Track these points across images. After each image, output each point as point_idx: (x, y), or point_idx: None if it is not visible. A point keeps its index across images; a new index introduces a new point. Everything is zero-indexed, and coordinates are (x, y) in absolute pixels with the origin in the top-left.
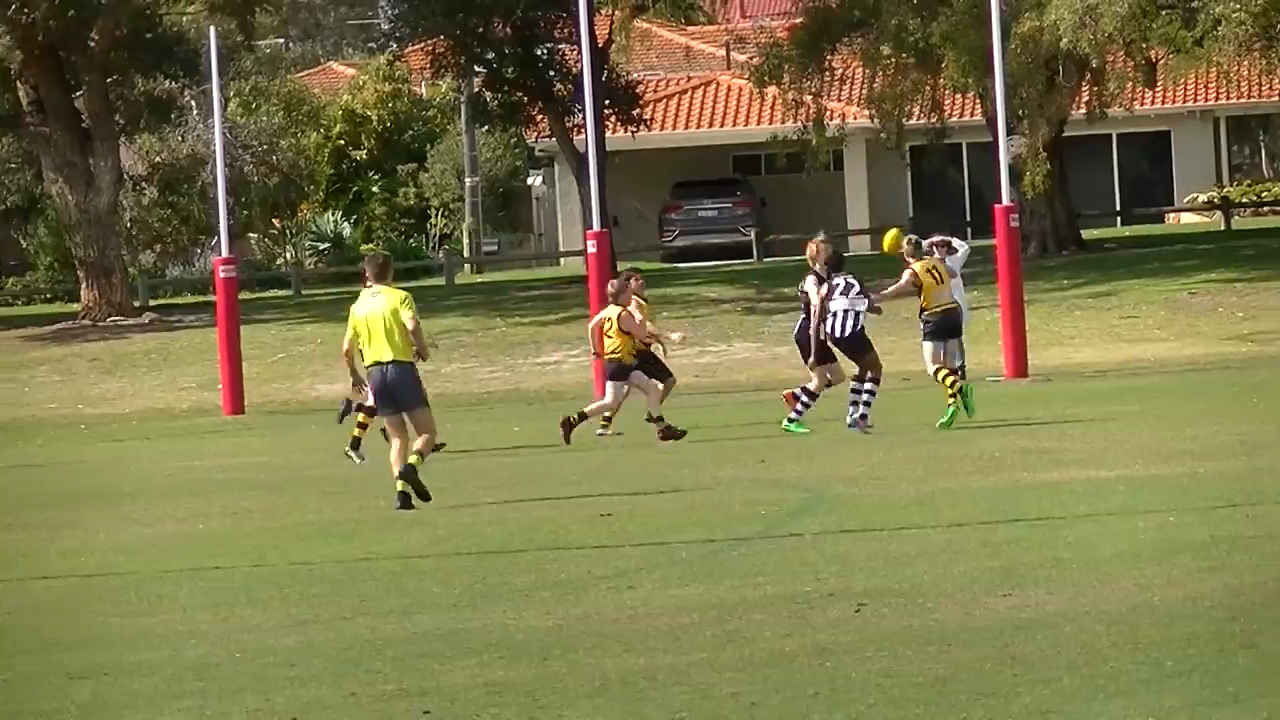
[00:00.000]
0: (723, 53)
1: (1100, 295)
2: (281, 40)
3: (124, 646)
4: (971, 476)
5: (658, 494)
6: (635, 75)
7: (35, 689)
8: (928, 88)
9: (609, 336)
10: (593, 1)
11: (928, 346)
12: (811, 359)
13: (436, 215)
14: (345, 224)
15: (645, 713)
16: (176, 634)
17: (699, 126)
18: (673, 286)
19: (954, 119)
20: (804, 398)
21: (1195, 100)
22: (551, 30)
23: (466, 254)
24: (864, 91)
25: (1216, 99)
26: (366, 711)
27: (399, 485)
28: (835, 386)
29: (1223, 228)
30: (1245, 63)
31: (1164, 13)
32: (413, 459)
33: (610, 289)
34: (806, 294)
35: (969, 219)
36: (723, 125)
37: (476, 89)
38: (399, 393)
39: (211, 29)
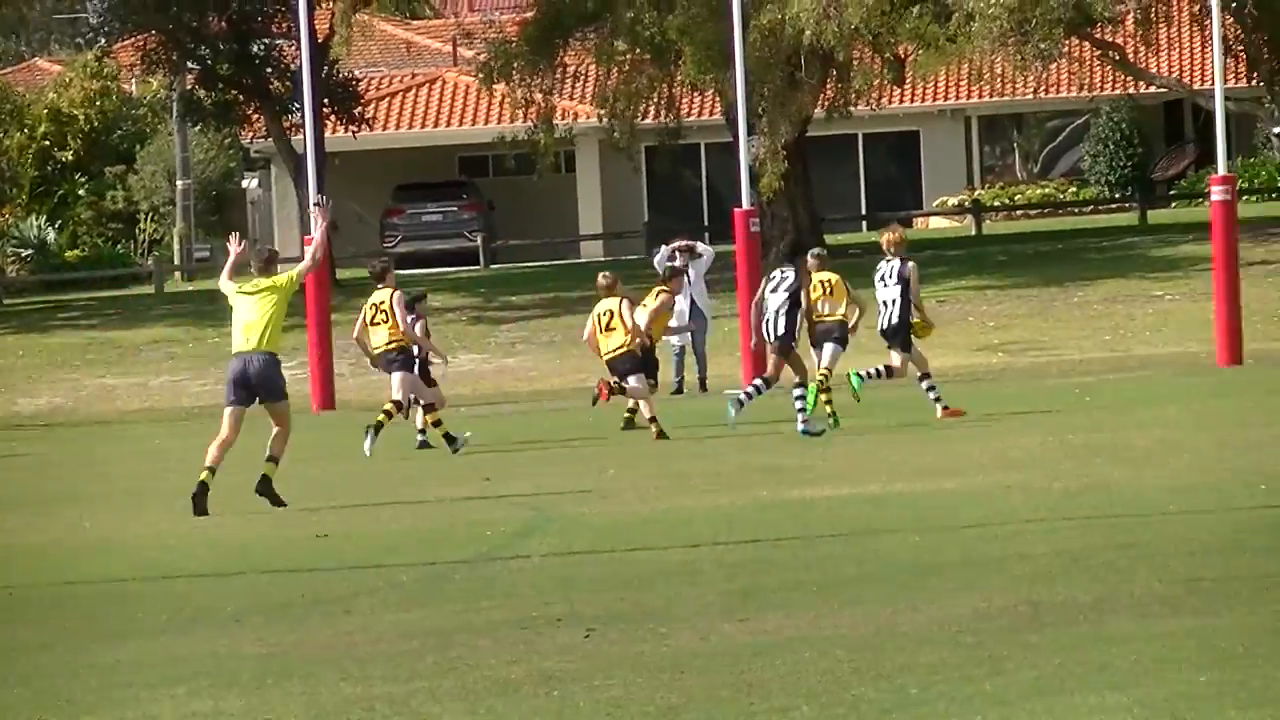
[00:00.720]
0: (449, 49)
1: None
2: None
3: None
4: (708, 494)
5: (377, 513)
6: (356, 72)
7: None
8: (664, 85)
9: (611, 331)
10: None
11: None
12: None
13: (146, 220)
14: (49, 229)
15: None
16: None
17: (423, 126)
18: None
19: (692, 118)
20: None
21: (946, 98)
22: (269, 25)
23: (177, 260)
24: (597, 90)
25: (968, 97)
26: None
27: (204, 474)
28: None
29: (974, 232)
30: (998, 59)
31: (914, 7)
32: (267, 468)
33: (603, 282)
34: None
35: (707, 223)
36: (448, 125)
37: (189, 86)
38: (255, 384)
39: None
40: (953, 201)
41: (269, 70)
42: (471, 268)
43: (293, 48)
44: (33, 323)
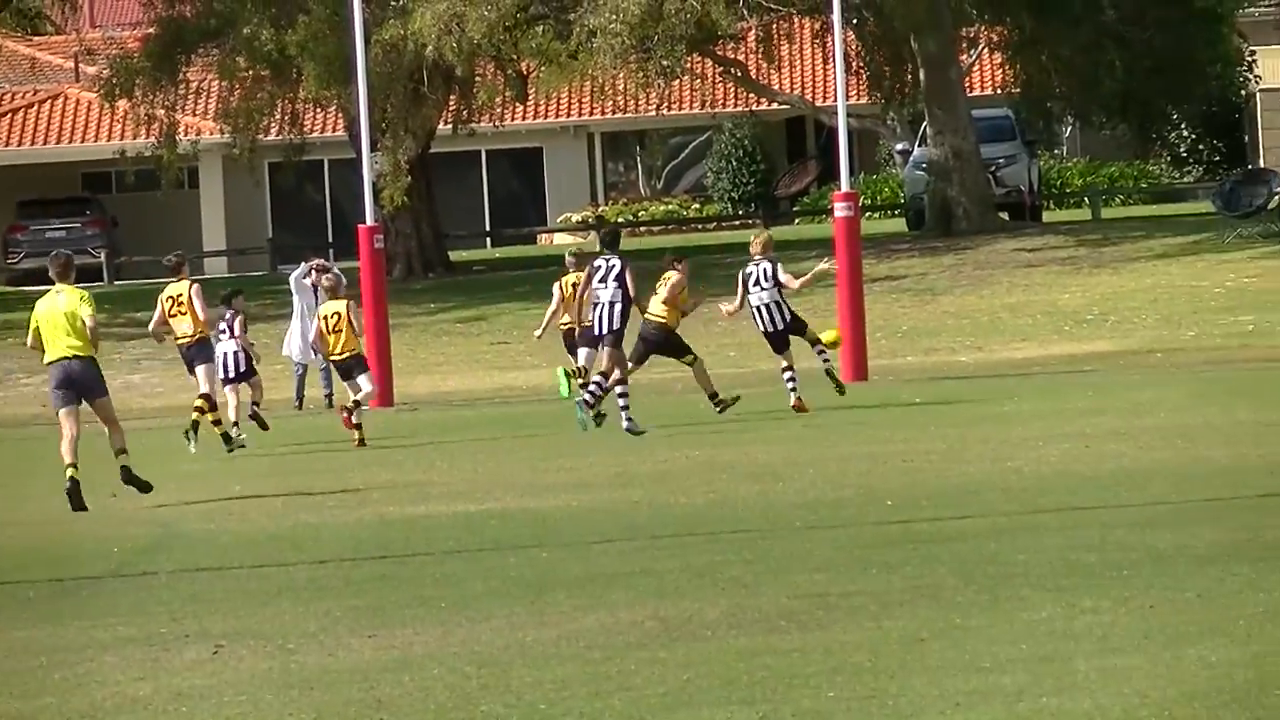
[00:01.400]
0: (72, 64)
1: (469, 320)
2: None
3: None
4: (335, 510)
5: (2, 530)
6: None
7: None
8: (286, 101)
9: (337, 333)
10: None
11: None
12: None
13: None
14: None
15: None
16: None
17: (46, 142)
18: (19, 311)
19: (315, 134)
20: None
21: (569, 115)
22: None
23: None
24: (220, 106)
25: (591, 113)
26: None
27: (69, 471)
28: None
29: (598, 249)
30: (621, 76)
31: (538, 24)
32: (123, 460)
33: (327, 284)
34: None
35: (331, 239)
36: (71, 141)
37: None
38: (82, 383)
39: None
40: (576, 218)
41: None
42: (95, 284)
43: None
44: None
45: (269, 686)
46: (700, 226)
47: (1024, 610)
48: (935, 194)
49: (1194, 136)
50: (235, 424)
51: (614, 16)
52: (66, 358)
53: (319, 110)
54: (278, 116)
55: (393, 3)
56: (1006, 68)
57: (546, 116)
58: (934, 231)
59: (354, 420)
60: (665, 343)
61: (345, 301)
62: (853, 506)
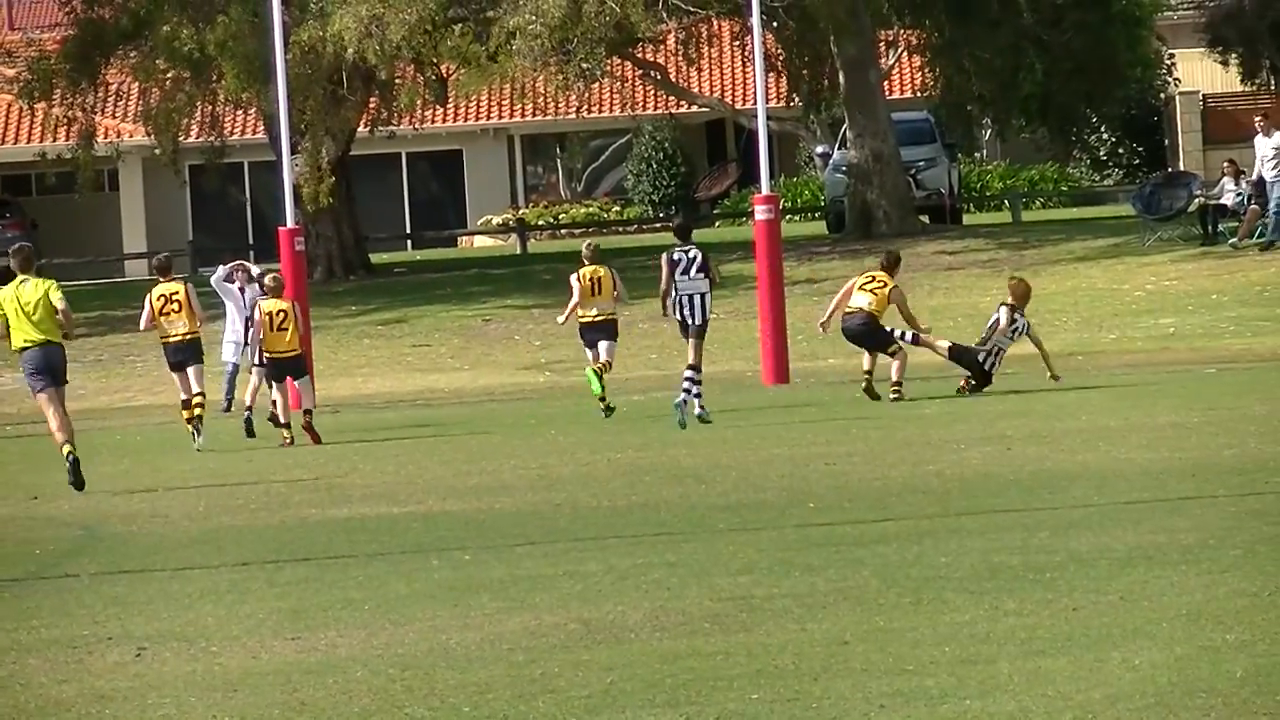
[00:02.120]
0: None
1: (391, 322)
2: None
3: None
4: (258, 513)
5: None
6: None
7: None
8: (206, 103)
9: (282, 331)
10: None
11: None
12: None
13: None
14: None
15: None
16: None
17: None
18: None
19: (235, 137)
20: None
21: (489, 117)
22: None
23: None
24: (139, 107)
25: (511, 116)
26: None
27: (68, 449)
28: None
29: (518, 251)
30: (541, 78)
31: (457, 26)
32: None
33: (271, 284)
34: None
35: (252, 241)
36: None
37: None
38: (58, 369)
39: None
40: (497, 220)
41: None
42: None
43: None
44: None
45: (192, 689)
46: (621, 229)
47: (947, 613)
48: (855, 197)
49: (1114, 140)
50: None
51: (534, 18)
52: (40, 344)
53: (239, 112)
54: (198, 118)
55: (312, 4)
56: (926, 71)
57: (466, 119)
58: (854, 234)
59: (311, 425)
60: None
61: (290, 301)
62: (775, 509)
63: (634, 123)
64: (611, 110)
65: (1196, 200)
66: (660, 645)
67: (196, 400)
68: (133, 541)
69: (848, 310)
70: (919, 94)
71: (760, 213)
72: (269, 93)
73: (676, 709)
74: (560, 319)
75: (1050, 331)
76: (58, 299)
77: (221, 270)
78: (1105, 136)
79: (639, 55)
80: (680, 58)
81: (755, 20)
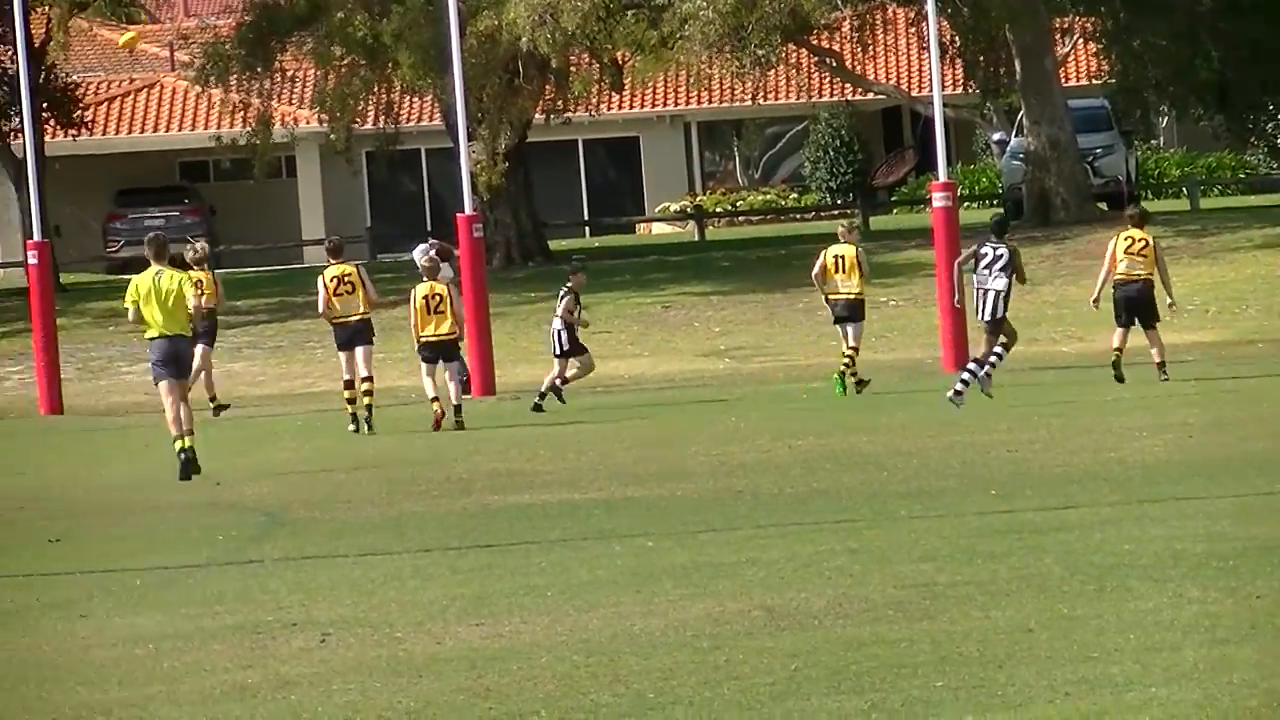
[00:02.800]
0: (167, 53)
1: None
2: None
3: None
4: (439, 499)
5: (108, 518)
6: (75, 77)
7: None
8: (382, 90)
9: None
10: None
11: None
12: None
13: None
14: None
15: None
16: None
17: (143, 131)
18: (118, 300)
19: (411, 123)
20: None
21: (665, 104)
22: None
23: None
24: (315, 93)
25: (687, 103)
26: None
27: (180, 445)
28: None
29: (696, 238)
30: (716, 65)
31: (630, 13)
32: (190, 440)
33: (425, 263)
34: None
35: (429, 228)
36: (168, 129)
37: None
38: (184, 361)
39: None
40: (674, 207)
41: None
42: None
43: (9, 52)
44: None
45: (376, 674)
46: (798, 216)
47: (1131, 600)
48: (1033, 184)
49: None
50: (543, 393)
51: (705, 4)
52: (169, 335)
53: (415, 99)
54: (373, 105)
55: None
56: (1101, 58)
57: (643, 106)
58: (1032, 222)
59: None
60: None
61: (446, 285)
62: (957, 496)
63: (811, 110)
64: (788, 97)
65: None
66: (843, 632)
67: (364, 386)
68: (316, 527)
69: (1120, 278)
70: (1094, 81)
71: (938, 200)
72: (446, 82)
73: (861, 696)
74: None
75: (1229, 319)
76: (190, 294)
77: (421, 247)
78: None
79: (814, 42)
80: (855, 44)
81: (930, 7)
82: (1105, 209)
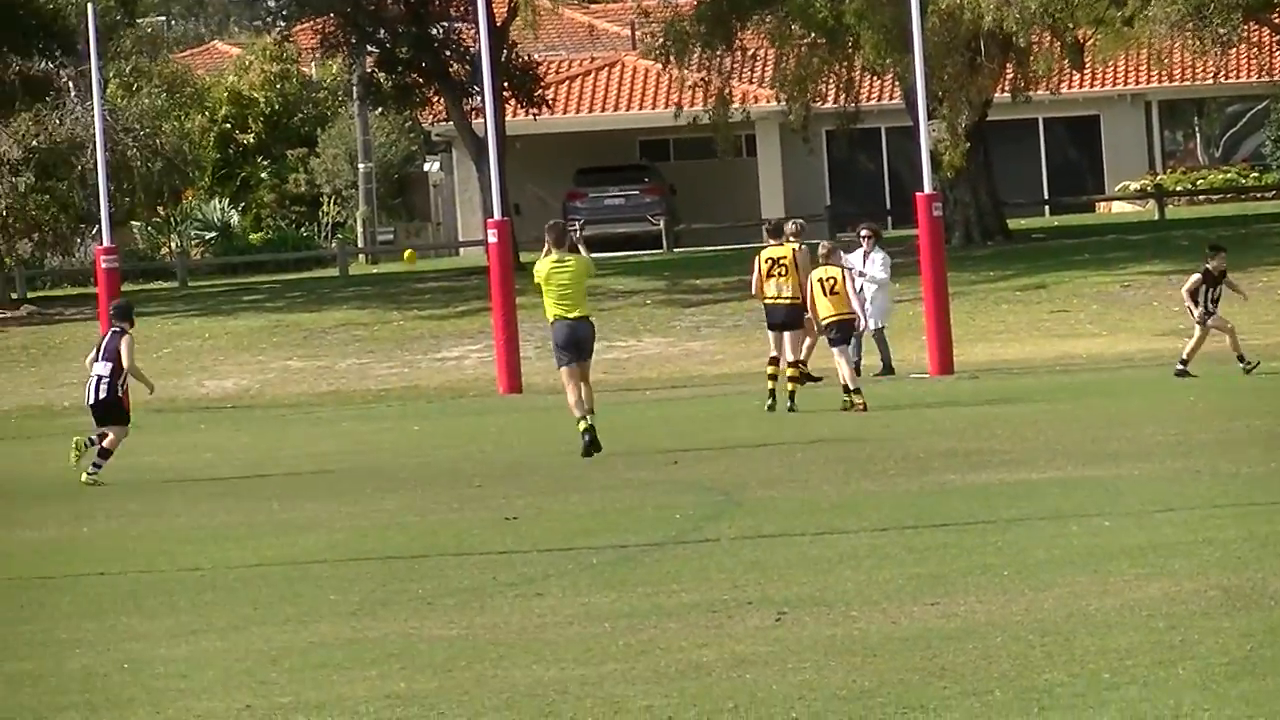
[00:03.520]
0: (628, 32)
1: (1028, 288)
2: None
3: (3, 655)
4: (896, 479)
5: (566, 496)
6: (536, 55)
7: None
8: (841, 69)
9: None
10: None
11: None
12: None
13: (328, 203)
14: (232, 212)
15: None
16: (59, 643)
17: (604, 109)
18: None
19: (872, 102)
20: None
21: (1125, 83)
22: (447, 8)
23: (360, 244)
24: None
25: (1148, 82)
26: None
27: (583, 425)
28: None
29: (1156, 217)
30: (1178, 44)
31: None
32: (591, 419)
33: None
34: None
35: (889, 207)
36: (629, 108)
37: (368, 69)
38: (585, 344)
39: (90, 5)
40: (1134, 186)
41: (448, 53)
42: (654, 251)
43: (472, 30)
44: (217, 305)
45: (831, 653)
46: (1259, 195)
47: None
48: None
49: None
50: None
51: None
52: (568, 319)
53: (874, 78)
54: (832, 84)
55: None
56: None
57: (1103, 85)
58: None
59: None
60: None
61: (840, 268)
62: None
63: (1272, 88)
64: (1248, 76)
65: None
66: None
67: (790, 372)
68: (772, 506)
69: None
70: None
71: None
72: (906, 61)
73: None
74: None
75: None
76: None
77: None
78: None
79: (1276, 20)
80: None
81: None
82: None
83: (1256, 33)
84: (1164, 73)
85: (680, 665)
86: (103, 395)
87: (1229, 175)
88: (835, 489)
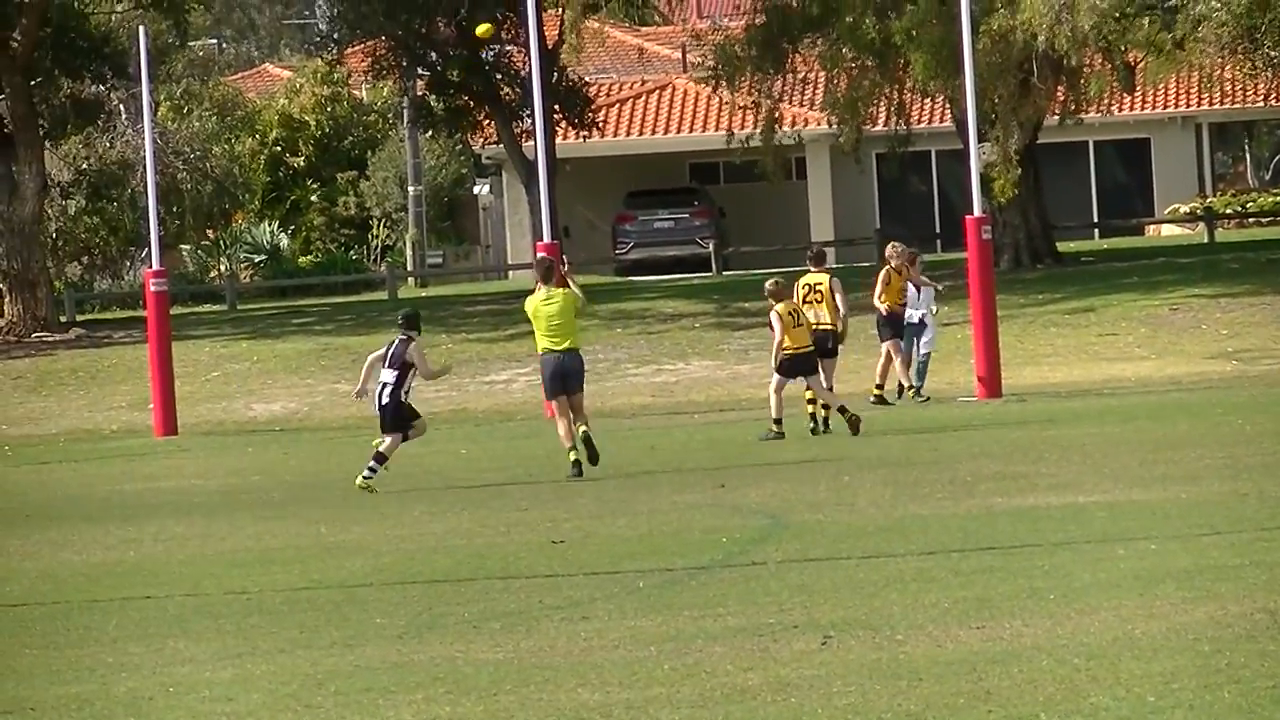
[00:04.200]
0: (678, 55)
1: (1077, 311)
2: (214, 41)
3: (50, 679)
4: (943, 501)
5: (612, 520)
6: (587, 78)
7: None
8: (893, 91)
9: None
10: (541, 1)
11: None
12: None
13: (378, 225)
14: (282, 235)
15: None
16: (106, 666)
17: (654, 132)
18: (627, 301)
19: (922, 125)
20: None
21: (1176, 106)
22: (499, 31)
23: (410, 266)
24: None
25: (1199, 104)
26: None
27: (572, 455)
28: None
29: (1205, 240)
30: (1228, 66)
31: (1144, 15)
32: (584, 429)
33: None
34: None
35: (939, 230)
36: (679, 131)
37: (419, 92)
38: (573, 376)
39: (141, 28)
40: (1184, 209)
41: (499, 76)
42: (703, 274)
43: (522, 53)
44: (266, 328)
45: (877, 677)
46: None
47: None
48: None
49: None
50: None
51: (1219, 5)
52: (556, 351)
53: (925, 100)
54: (883, 106)
55: None
56: None
57: (1154, 107)
58: None
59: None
60: None
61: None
62: None
63: None
64: None
65: None
66: None
67: (823, 399)
68: (819, 529)
69: None
70: None
71: None
72: (957, 83)
73: None
74: None
75: None
76: (575, 306)
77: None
78: None
79: None
80: None
81: None
82: None
83: None
84: (1214, 95)
85: (725, 689)
86: (386, 401)
87: (1278, 198)
88: (882, 512)
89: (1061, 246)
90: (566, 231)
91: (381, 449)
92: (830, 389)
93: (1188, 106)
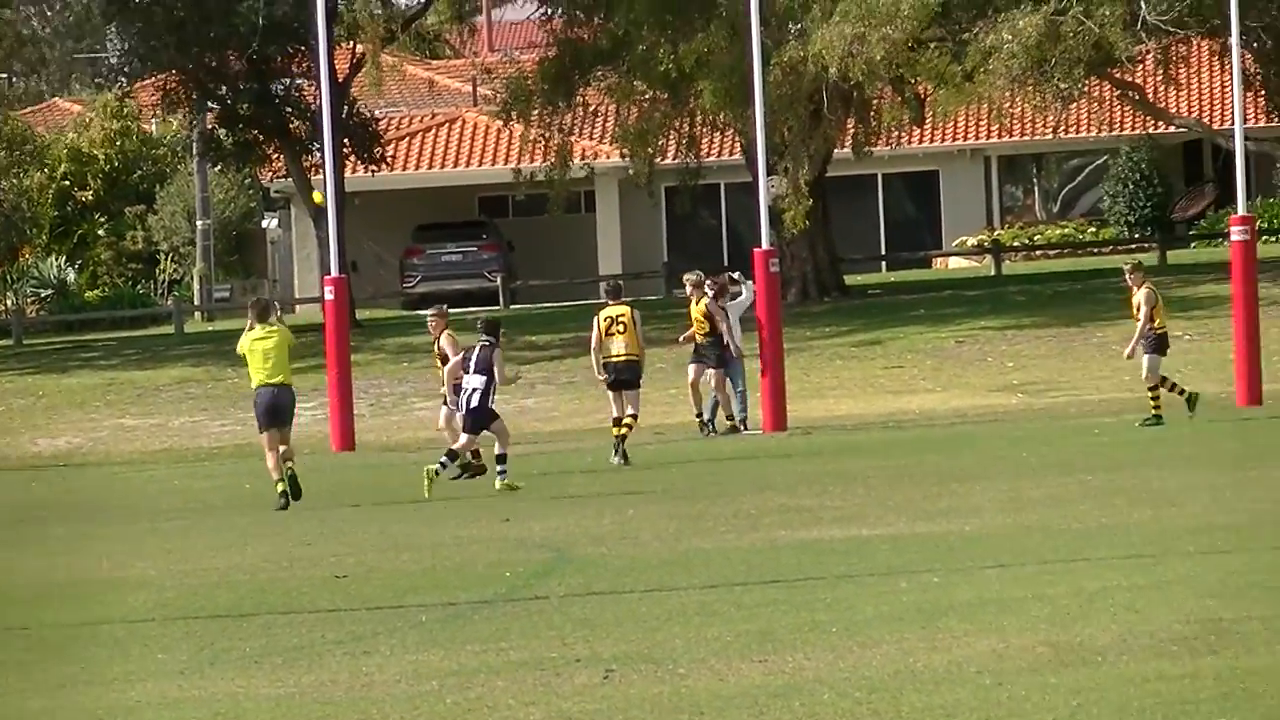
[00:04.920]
0: (469, 88)
1: (864, 344)
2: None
3: None
4: (726, 535)
5: (396, 554)
6: (377, 112)
7: None
8: (683, 124)
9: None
10: (332, 35)
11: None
12: None
13: (166, 260)
14: (69, 269)
15: None
16: None
17: (443, 166)
18: (414, 335)
19: (712, 158)
20: None
21: (965, 138)
22: (289, 65)
23: (197, 301)
24: (616, 128)
25: (988, 137)
26: None
27: (280, 487)
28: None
29: (993, 273)
30: (1018, 99)
31: (933, 45)
32: (289, 465)
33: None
34: None
35: (727, 263)
36: (468, 165)
37: (209, 126)
38: (284, 410)
39: None
40: (972, 241)
41: (289, 110)
42: (491, 308)
43: (313, 87)
44: (52, 363)
45: (659, 711)
46: (1095, 250)
47: None
48: None
49: None
50: None
51: (1009, 37)
52: (272, 384)
53: (715, 133)
54: (673, 139)
55: (792, 24)
56: None
57: (943, 139)
58: None
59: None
60: None
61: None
62: (1247, 532)
63: (1112, 143)
64: (1088, 131)
65: None
66: (1127, 668)
67: (627, 420)
68: (603, 563)
69: None
70: None
71: (1236, 234)
72: (747, 114)
73: None
74: None
75: None
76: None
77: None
78: None
79: (1116, 75)
80: (1157, 78)
81: (1234, 39)
82: None
83: (1097, 87)
84: (1004, 127)
85: None
86: (474, 404)
87: (1066, 231)
88: (665, 545)
89: (849, 279)
90: (355, 266)
91: (455, 447)
92: (635, 416)
93: (977, 139)
